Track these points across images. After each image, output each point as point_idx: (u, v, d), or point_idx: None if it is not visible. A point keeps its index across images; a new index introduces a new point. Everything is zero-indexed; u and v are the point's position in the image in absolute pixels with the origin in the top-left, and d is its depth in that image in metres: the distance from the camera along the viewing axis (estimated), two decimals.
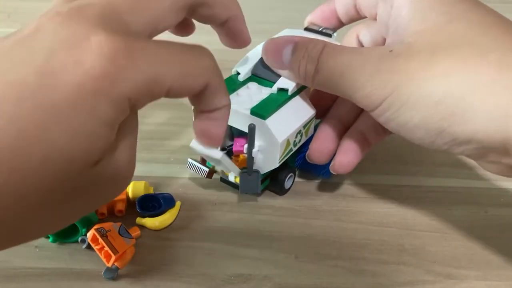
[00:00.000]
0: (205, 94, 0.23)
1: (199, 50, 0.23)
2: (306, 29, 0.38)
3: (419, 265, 0.33)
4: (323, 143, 0.36)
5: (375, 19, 0.33)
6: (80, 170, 0.18)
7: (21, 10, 0.64)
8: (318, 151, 0.36)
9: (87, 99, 0.17)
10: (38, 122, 0.17)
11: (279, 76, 0.34)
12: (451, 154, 0.43)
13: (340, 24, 0.38)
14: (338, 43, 0.38)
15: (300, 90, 0.36)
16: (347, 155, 0.35)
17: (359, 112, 0.36)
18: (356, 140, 0.35)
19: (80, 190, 0.19)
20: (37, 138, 0.17)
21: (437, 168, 0.42)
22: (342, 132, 0.36)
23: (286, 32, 0.39)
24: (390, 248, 0.34)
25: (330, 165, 0.36)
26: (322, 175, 0.39)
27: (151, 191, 0.37)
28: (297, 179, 0.39)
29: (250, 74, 0.36)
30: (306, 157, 0.36)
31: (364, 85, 0.28)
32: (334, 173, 0.36)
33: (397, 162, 0.42)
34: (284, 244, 0.35)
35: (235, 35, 0.29)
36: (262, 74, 0.36)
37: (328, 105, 0.38)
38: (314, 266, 0.33)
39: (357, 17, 0.36)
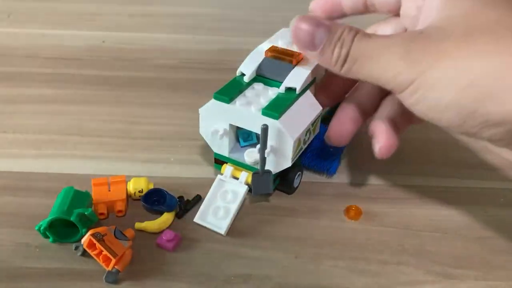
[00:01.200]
0: None
1: None
2: None
3: (419, 265, 0.33)
4: (343, 125, 0.35)
5: (391, 14, 0.33)
6: None
7: (21, 10, 0.64)
8: (338, 132, 0.35)
9: None
10: None
11: (285, 75, 0.35)
12: (451, 154, 0.43)
13: (342, 15, 0.37)
14: None
15: (306, 88, 0.36)
16: (389, 139, 0.34)
17: (379, 99, 0.36)
18: (389, 124, 0.34)
19: None
20: None
21: (438, 168, 0.42)
22: (361, 116, 0.36)
23: (283, 32, 0.39)
24: (390, 248, 0.34)
25: (377, 150, 0.34)
26: (326, 172, 0.39)
27: (152, 187, 0.37)
28: None
29: (255, 75, 0.36)
30: (325, 138, 0.36)
31: (394, 66, 0.28)
32: (379, 157, 0.34)
33: (397, 162, 0.42)
34: (284, 244, 0.35)
35: None
36: (267, 74, 0.36)
37: (339, 93, 0.38)
38: (314, 266, 0.33)
39: (364, 11, 0.36)
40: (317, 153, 0.39)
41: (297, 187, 0.39)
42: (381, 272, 0.33)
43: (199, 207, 0.35)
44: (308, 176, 0.40)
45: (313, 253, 0.34)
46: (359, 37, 0.30)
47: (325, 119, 0.42)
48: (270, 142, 0.33)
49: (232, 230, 0.35)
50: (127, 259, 0.32)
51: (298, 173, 0.38)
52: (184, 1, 0.70)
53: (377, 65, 0.29)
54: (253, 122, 0.33)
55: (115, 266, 0.31)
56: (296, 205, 0.38)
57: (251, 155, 0.35)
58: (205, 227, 0.35)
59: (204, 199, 0.36)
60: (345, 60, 0.30)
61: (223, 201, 0.36)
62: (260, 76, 0.36)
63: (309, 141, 0.37)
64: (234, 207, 0.35)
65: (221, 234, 0.34)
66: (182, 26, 0.63)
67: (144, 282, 0.31)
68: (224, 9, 0.68)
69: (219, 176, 0.36)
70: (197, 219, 0.35)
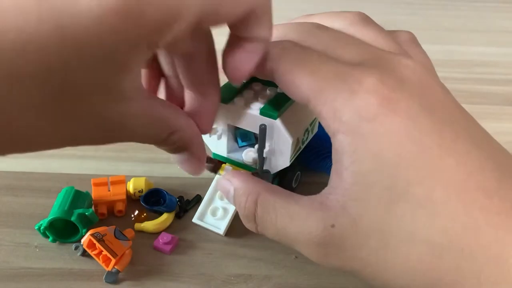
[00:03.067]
0: (248, 22, 0.22)
1: None
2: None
3: None
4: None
5: None
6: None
7: None
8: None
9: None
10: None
11: None
12: None
13: None
14: None
15: None
16: None
17: None
18: None
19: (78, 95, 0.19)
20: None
21: None
22: None
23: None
24: None
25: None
26: (325, 171, 0.39)
27: (152, 187, 0.37)
28: None
29: None
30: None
31: (318, 259, 0.25)
32: None
33: None
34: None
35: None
36: None
37: None
38: (314, 266, 0.33)
39: None
40: (315, 152, 0.39)
41: (295, 187, 0.39)
42: None
43: (198, 207, 0.35)
44: (307, 176, 0.40)
45: None
46: (260, 225, 0.27)
47: None
48: (268, 142, 0.33)
49: (232, 230, 0.35)
50: (127, 259, 0.32)
51: (297, 173, 0.38)
52: None
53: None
54: (252, 122, 0.33)
55: (115, 266, 0.31)
56: None
57: (249, 155, 0.35)
58: (204, 228, 0.35)
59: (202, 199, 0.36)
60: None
61: (221, 201, 0.36)
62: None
63: (308, 141, 0.37)
64: (233, 208, 0.35)
65: (220, 235, 0.34)
66: None
67: (144, 282, 0.31)
68: None
69: (217, 176, 0.36)
70: (195, 219, 0.35)
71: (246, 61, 0.24)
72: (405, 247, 0.22)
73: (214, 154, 0.37)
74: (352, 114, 0.23)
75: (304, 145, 0.37)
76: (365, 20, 0.29)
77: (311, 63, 0.25)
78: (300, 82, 0.24)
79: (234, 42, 0.23)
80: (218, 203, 0.35)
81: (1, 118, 0.18)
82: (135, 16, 0.17)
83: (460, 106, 0.25)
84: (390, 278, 0.23)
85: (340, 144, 0.23)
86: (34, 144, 0.21)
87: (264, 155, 0.33)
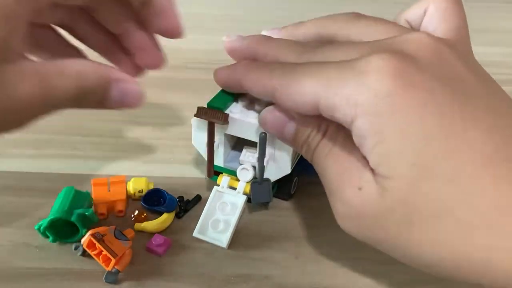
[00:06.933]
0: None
1: None
2: None
3: None
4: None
5: None
6: None
7: None
8: None
9: None
10: None
11: None
12: None
13: None
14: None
15: None
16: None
17: None
18: None
19: None
20: None
21: None
22: None
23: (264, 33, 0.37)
24: None
25: None
26: None
27: (152, 187, 0.37)
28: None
29: None
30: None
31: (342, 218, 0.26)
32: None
33: None
34: (284, 244, 0.35)
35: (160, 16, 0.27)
36: None
37: None
38: (314, 266, 0.33)
39: None
40: None
41: (294, 192, 0.38)
42: (381, 272, 0.33)
43: (198, 207, 0.35)
44: (306, 177, 0.40)
45: (313, 253, 0.34)
46: (321, 147, 0.27)
47: None
48: (268, 150, 0.33)
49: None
50: (127, 259, 0.32)
51: (295, 179, 0.37)
52: (184, 1, 0.70)
53: (331, 194, 0.27)
54: (251, 130, 0.33)
55: (115, 266, 0.31)
56: (296, 205, 0.38)
57: (245, 174, 0.34)
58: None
59: (202, 212, 0.35)
60: (311, 162, 0.28)
61: (222, 214, 0.34)
62: None
63: None
64: (234, 220, 0.34)
65: (223, 248, 0.34)
66: None
67: (144, 282, 0.31)
68: (224, 9, 0.68)
69: (215, 187, 0.35)
70: (196, 233, 0.34)
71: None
72: (432, 224, 0.22)
73: None
74: (367, 95, 0.22)
75: None
76: (358, 16, 0.29)
77: (309, 69, 0.25)
78: (303, 86, 0.24)
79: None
80: (219, 215, 0.34)
81: None
82: None
83: (483, 75, 0.25)
84: (414, 255, 0.23)
85: (361, 128, 0.23)
86: None
87: (265, 164, 0.33)
